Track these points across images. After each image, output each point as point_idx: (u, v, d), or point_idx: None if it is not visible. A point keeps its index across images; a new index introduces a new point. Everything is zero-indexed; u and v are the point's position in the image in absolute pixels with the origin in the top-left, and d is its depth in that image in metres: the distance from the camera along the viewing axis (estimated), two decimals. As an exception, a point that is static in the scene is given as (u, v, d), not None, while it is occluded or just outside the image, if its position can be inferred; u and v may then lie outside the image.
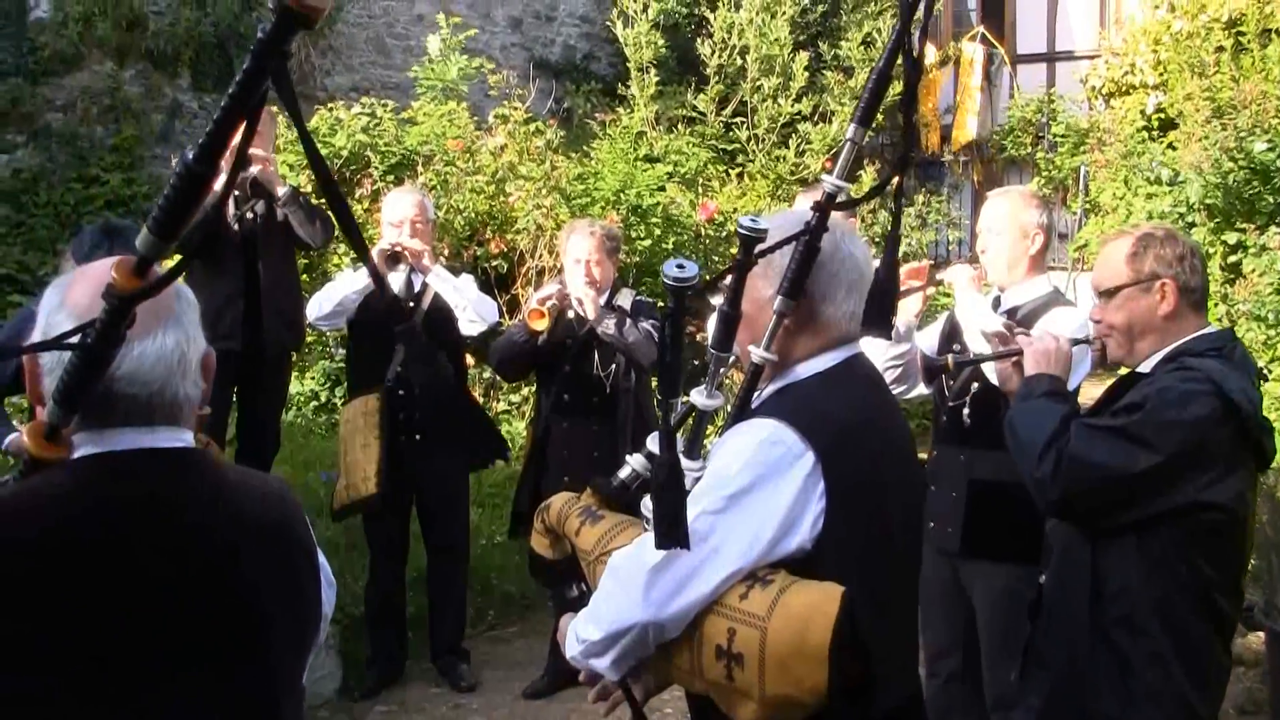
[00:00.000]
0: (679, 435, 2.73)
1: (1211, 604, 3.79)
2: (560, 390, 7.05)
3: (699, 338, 11.27)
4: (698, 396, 2.86)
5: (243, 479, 2.43)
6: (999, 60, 20.15)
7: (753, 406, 2.93)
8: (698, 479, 2.81)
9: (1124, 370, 4.18)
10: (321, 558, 2.50)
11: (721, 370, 2.91)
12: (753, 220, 2.76)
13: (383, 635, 7.35)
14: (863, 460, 2.85)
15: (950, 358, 4.81)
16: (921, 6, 2.69)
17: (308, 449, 9.84)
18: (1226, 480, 3.73)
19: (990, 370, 4.67)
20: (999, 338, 4.44)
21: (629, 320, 6.85)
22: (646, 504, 2.83)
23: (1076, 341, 4.32)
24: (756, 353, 2.89)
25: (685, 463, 2.77)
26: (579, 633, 2.92)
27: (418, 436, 7.07)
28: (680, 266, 2.62)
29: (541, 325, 6.82)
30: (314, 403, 11.00)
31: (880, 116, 14.79)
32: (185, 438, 2.30)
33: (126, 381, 2.19)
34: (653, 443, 2.74)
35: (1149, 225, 4.43)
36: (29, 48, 14.33)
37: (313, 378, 11.14)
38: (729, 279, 2.86)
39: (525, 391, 10.62)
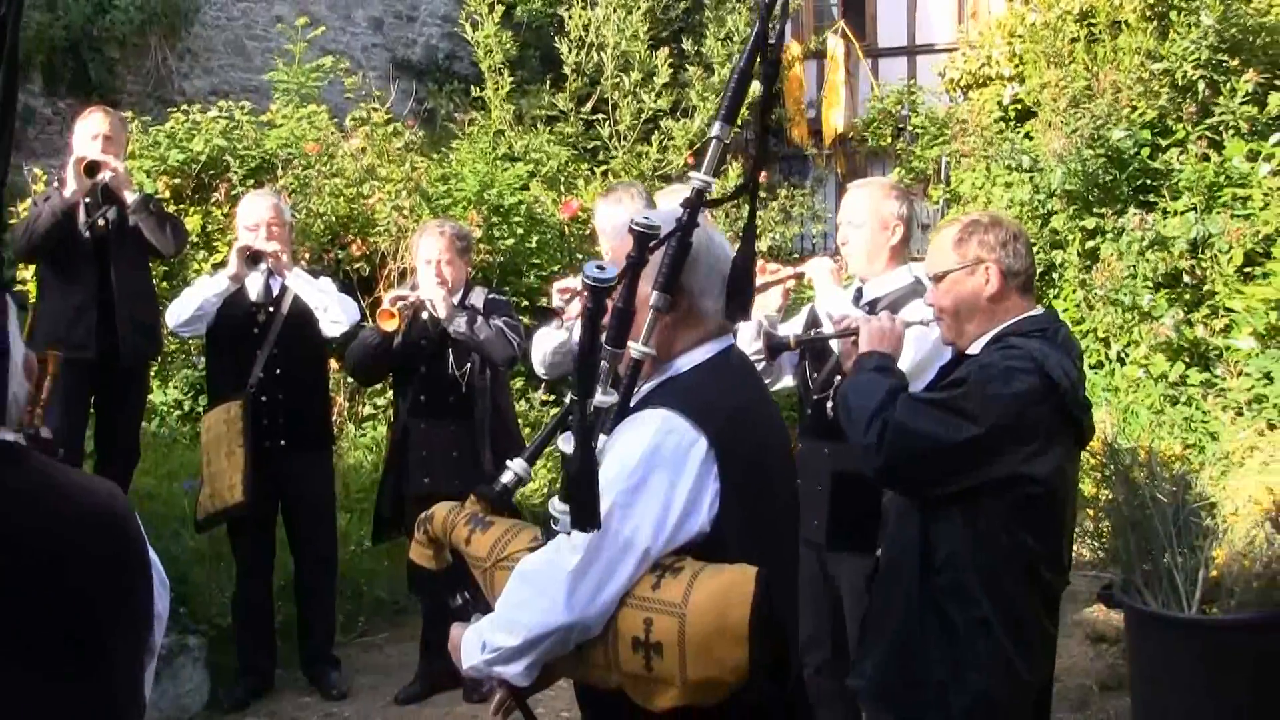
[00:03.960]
0: (568, 433, 2.75)
1: (1035, 574, 3.94)
2: (417, 391, 7.03)
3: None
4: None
5: (69, 477, 2.39)
6: (855, 54, 20.38)
7: (634, 403, 2.96)
8: None
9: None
10: (154, 557, 2.47)
11: (615, 367, 2.91)
12: (647, 218, 2.80)
13: (251, 645, 7.26)
14: (749, 445, 2.94)
15: (792, 336, 4.85)
16: (778, 6, 2.72)
17: (171, 459, 9.68)
18: (1045, 455, 3.87)
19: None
20: (837, 320, 4.58)
21: (480, 318, 6.84)
22: (554, 505, 2.82)
23: (910, 323, 4.42)
24: (636, 348, 2.91)
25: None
26: (488, 641, 2.90)
27: (282, 443, 7.00)
28: (600, 268, 2.65)
29: (392, 326, 6.81)
30: (177, 412, 10.82)
31: (745, 111, 14.91)
32: (5, 435, 2.26)
33: None
34: (564, 442, 2.73)
35: (977, 213, 4.58)
36: (-127, 51, 13.97)
37: (176, 387, 10.96)
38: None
39: (390, 395, 10.54)
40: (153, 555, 2.45)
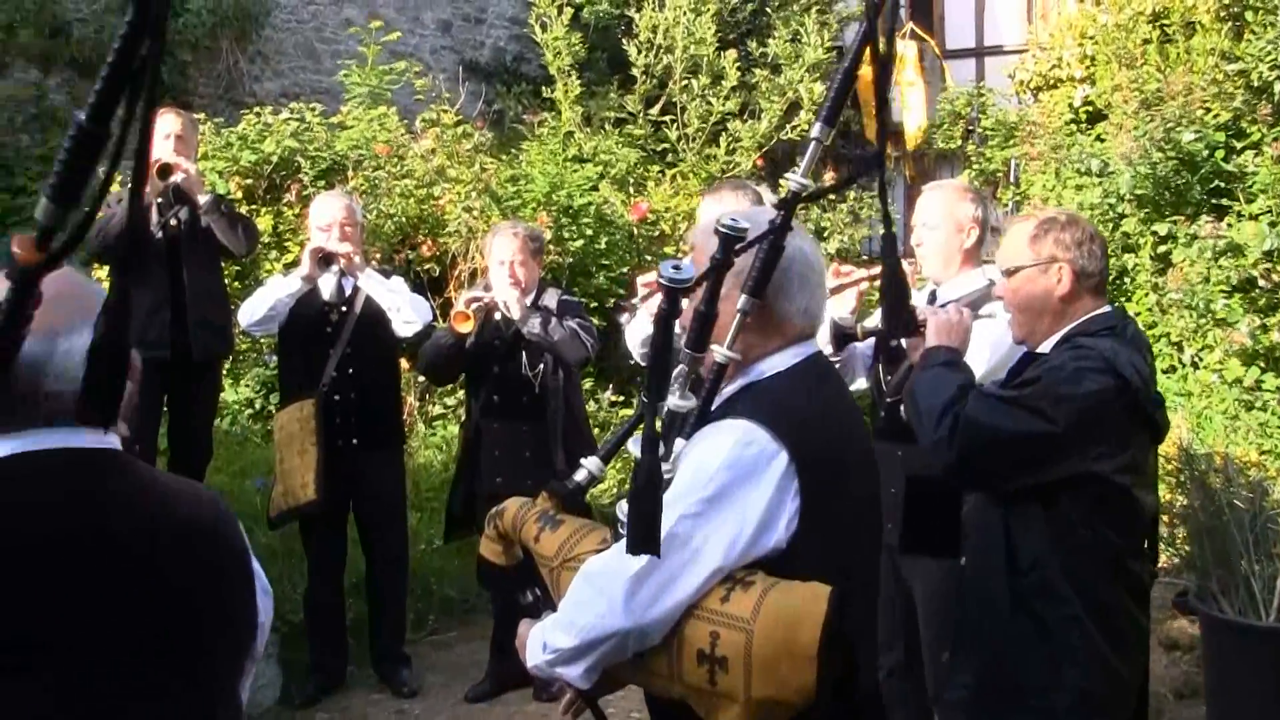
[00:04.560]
0: (639, 436, 2.69)
1: (1120, 566, 3.94)
2: (489, 392, 7.05)
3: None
4: (670, 398, 2.79)
5: (171, 484, 2.40)
6: (930, 55, 20.22)
7: (715, 407, 2.91)
8: (669, 481, 2.77)
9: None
10: (256, 565, 2.47)
11: (698, 371, 2.86)
12: (733, 219, 2.72)
13: (323, 642, 7.31)
14: (831, 458, 2.88)
15: (860, 326, 4.84)
16: (888, 4, 2.67)
17: (243, 457, 9.76)
18: (1119, 454, 3.86)
19: None
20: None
21: (554, 319, 6.85)
22: (621, 508, 2.77)
23: (979, 316, 4.42)
24: (720, 352, 2.86)
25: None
26: (548, 641, 2.89)
27: (354, 441, 7.03)
28: (676, 267, 2.59)
29: (467, 328, 6.83)
30: (249, 410, 10.91)
31: (813, 114, 14.84)
32: (111, 439, 2.26)
33: (54, 379, 2.16)
34: (634, 445, 2.68)
35: (1055, 210, 4.56)
36: (-49, 57, 14.16)
37: (247, 385, 11.04)
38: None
39: (460, 395, 10.57)
40: (256, 564, 2.45)
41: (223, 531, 2.41)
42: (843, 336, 4.85)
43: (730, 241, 2.72)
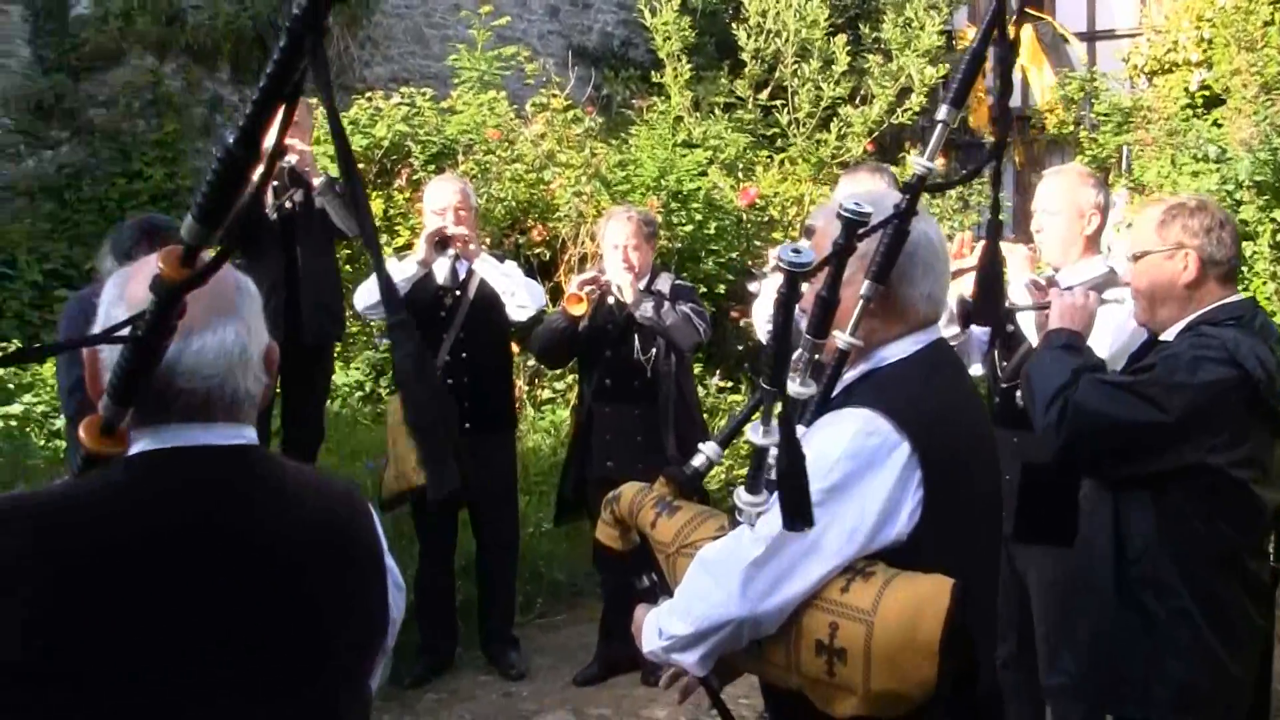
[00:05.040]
0: (757, 423, 2.65)
1: (1236, 563, 3.88)
2: (602, 375, 7.06)
3: (741, 323, 11.26)
4: (790, 384, 2.70)
5: (306, 478, 2.38)
6: (1053, 35, 19.98)
7: (836, 393, 2.89)
8: None
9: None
10: (390, 560, 2.45)
11: (817, 357, 2.82)
12: (857, 203, 2.66)
13: (433, 624, 7.35)
14: (954, 446, 2.83)
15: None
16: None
17: (354, 439, 9.83)
18: (1236, 446, 3.80)
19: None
20: (1038, 290, 4.50)
21: (667, 304, 6.85)
22: (740, 496, 2.74)
23: (1105, 301, 4.37)
24: (843, 338, 2.84)
25: (775, 454, 2.66)
26: (664, 627, 2.88)
27: (466, 425, 7.05)
28: (796, 251, 2.51)
29: (580, 310, 6.85)
30: (359, 393, 11.00)
31: (924, 98, 14.74)
32: (246, 434, 2.25)
33: (185, 376, 2.13)
34: (753, 432, 2.63)
35: (1186, 195, 4.50)
36: (71, 44, 14.37)
37: (357, 368, 11.14)
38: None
39: (569, 379, 10.61)
40: (389, 559, 2.44)
41: (357, 526, 2.39)
42: (969, 315, 4.80)
43: (853, 226, 2.66)
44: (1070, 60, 19.94)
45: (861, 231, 2.68)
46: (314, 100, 10.19)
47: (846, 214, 2.65)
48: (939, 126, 2.81)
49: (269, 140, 1.75)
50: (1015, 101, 18.91)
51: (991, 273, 2.97)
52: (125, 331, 1.97)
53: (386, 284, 1.86)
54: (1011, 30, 2.68)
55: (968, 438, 2.94)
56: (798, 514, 2.51)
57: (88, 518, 2.07)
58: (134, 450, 2.16)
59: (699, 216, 12.12)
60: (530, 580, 8.43)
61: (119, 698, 2.01)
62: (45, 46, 14.28)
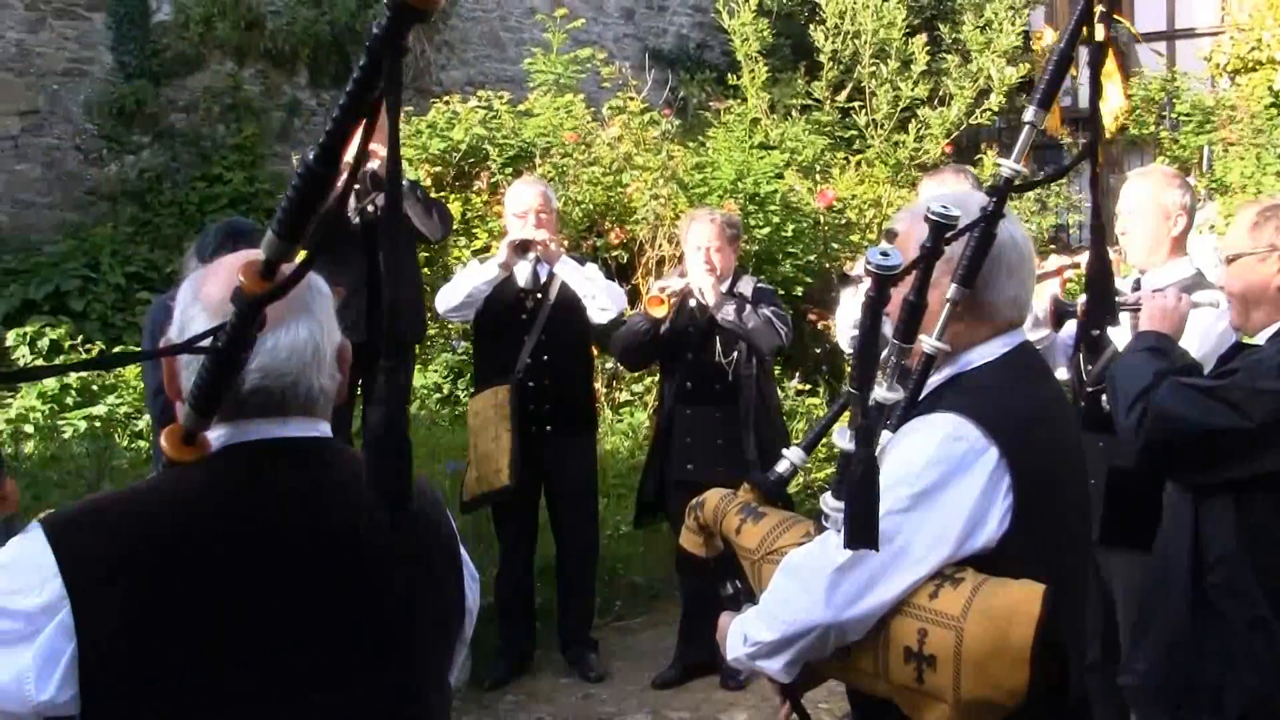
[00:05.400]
0: (843, 427, 2.64)
1: None
2: (683, 378, 7.05)
3: (820, 326, 11.22)
4: (878, 390, 2.71)
5: None
6: (1128, 38, 19.81)
7: (922, 397, 2.86)
8: None
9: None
10: (464, 552, 2.48)
11: (904, 361, 2.80)
12: (944, 206, 2.65)
13: (512, 625, 7.37)
14: (1043, 451, 2.79)
15: (1080, 304, 4.78)
16: (1104, -11, 2.59)
17: (432, 441, 9.89)
18: None
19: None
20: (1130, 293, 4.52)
21: (749, 307, 6.83)
22: (826, 501, 2.73)
23: (1198, 304, 4.35)
24: (930, 343, 2.81)
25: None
26: (749, 634, 2.86)
27: (547, 428, 7.08)
28: (884, 254, 2.50)
29: (661, 313, 6.85)
30: (436, 395, 11.06)
31: (1003, 98, 14.65)
32: (320, 429, 2.29)
33: (259, 374, 2.17)
34: (841, 437, 2.61)
35: None
36: (152, 50, 14.58)
37: (435, 370, 11.21)
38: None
39: (647, 381, 10.62)
40: (463, 551, 2.47)
41: (432, 519, 2.42)
42: (1062, 314, 4.78)
43: (940, 229, 2.64)
44: (1141, 62, 19.77)
45: (949, 235, 2.67)
46: (408, 108, 10.30)
47: (934, 217, 2.64)
48: (1026, 128, 2.78)
49: (351, 151, 1.76)
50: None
51: (1100, 276, 2.94)
52: (205, 343, 2.01)
53: (387, 322, 1.86)
54: (1099, 31, 2.65)
55: (1057, 442, 2.90)
56: (862, 534, 2.50)
57: (174, 513, 2.12)
58: (213, 443, 2.20)
59: (776, 219, 12.08)
60: (608, 583, 8.44)
61: (207, 690, 2.04)
62: (127, 53, 14.49)
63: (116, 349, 11.88)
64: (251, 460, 2.20)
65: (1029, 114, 2.76)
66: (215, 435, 2.20)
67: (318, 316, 2.25)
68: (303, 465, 2.24)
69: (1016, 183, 2.80)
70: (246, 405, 2.19)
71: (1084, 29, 2.62)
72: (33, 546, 2.05)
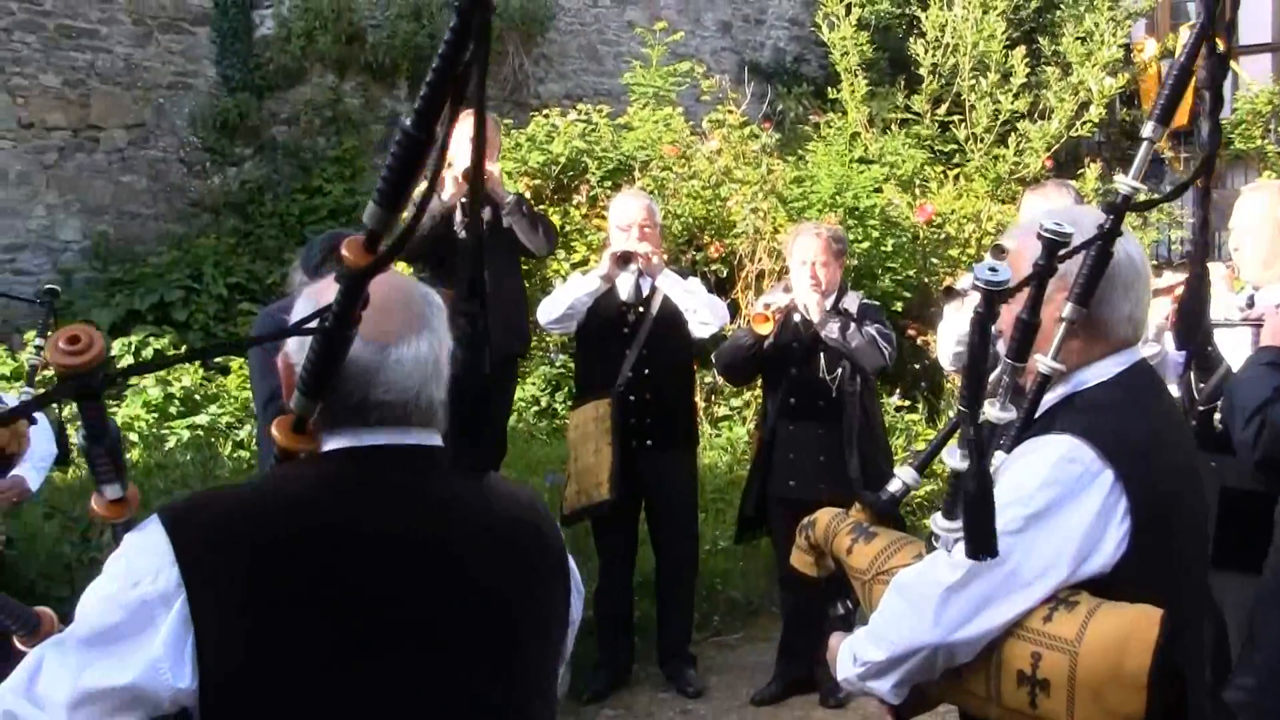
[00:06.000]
0: (954, 446, 2.61)
1: None
2: (786, 394, 7.01)
3: (919, 341, 11.16)
4: (990, 409, 2.65)
5: (494, 482, 2.42)
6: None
7: (1036, 417, 2.82)
8: None
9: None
10: (572, 564, 2.49)
11: (1017, 381, 2.77)
12: (1057, 223, 2.59)
13: (611, 639, 7.37)
14: (1161, 473, 2.75)
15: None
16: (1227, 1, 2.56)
17: (529, 454, 9.93)
18: None
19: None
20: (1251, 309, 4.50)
21: (853, 324, 6.78)
22: (936, 521, 2.70)
23: None
24: (1045, 362, 2.77)
25: None
26: (858, 654, 2.84)
27: (648, 442, 7.09)
28: (993, 270, 2.44)
29: (766, 329, 6.83)
30: (534, 408, 11.10)
31: (1104, 111, 14.50)
32: (436, 439, 2.30)
33: (384, 388, 2.20)
34: (950, 456, 2.58)
35: None
36: (255, 64, 14.76)
37: (533, 383, 11.26)
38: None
39: (747, 396, 10.61)
40: (572, 564, 2.48)
41: (544, 531, 2.44)
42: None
43: (1054, 247, 2.59)
44: (1248, 75, 19.55)
45: (1063, 253, 2.62)
46: (498, 117, 10.39)
47: (1048, 234, 2.59)
48: (1144, 144, 2.72)
49: (459, 165, 1.78)
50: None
51: (1194, 296, 2.90)
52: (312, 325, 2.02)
53: (476, 269, 1.88)
54: (1220, 43, 2.62)
55: (1175, 464, 2.85)
56: (982, 544, 2.47)
57: (287, 508, 2.15)
58: (327, 448, 2.23)
59: (875, 234, 12.05)
60: (706, 598, 8.42)
61: (310, 689, 2.07)
62: (231, 66, 14.67)
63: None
64: (366, 461, 2.23)
65: (1148, 129, 2.71)
66: (332, 441, 2.23)
67: (435, 329, 2.29)
68: (416, 470, 2.26)
69: (1135, 200, 2.76)
70: (368, 418, 2.21)
71: (1204, 43, 2.59)
72: (150, 536, 2.08)
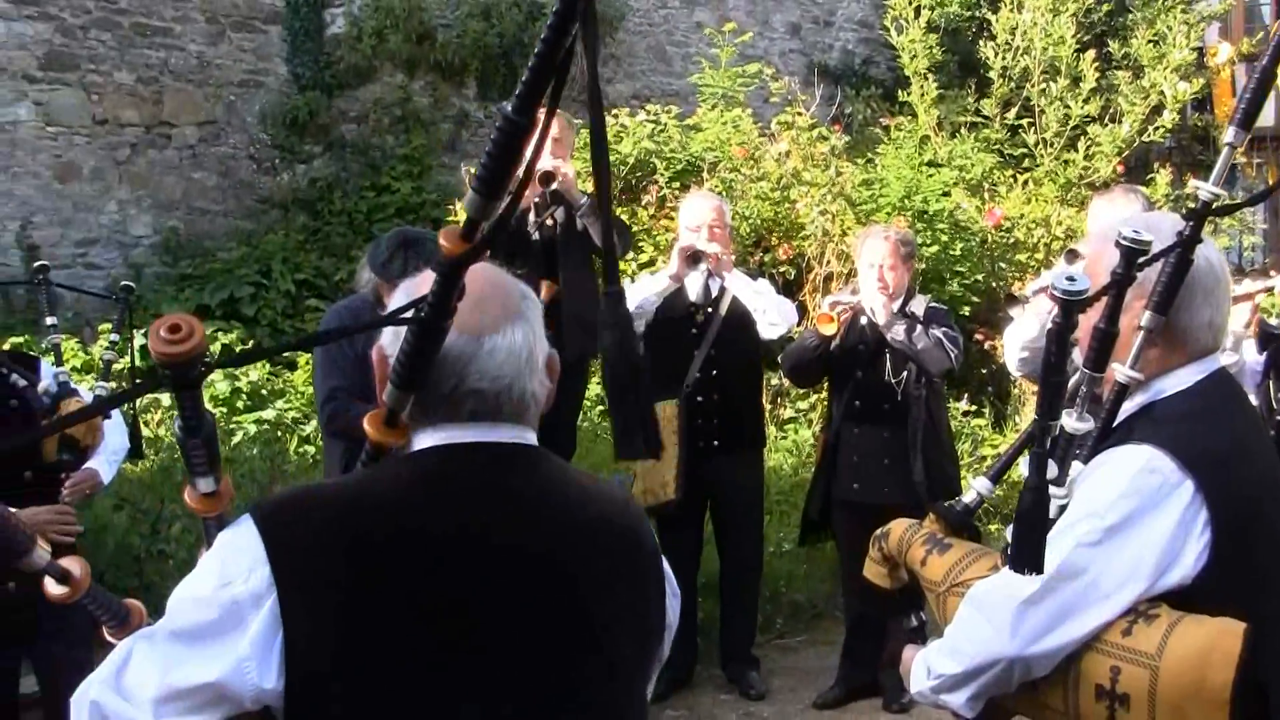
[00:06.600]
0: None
1: None
2: (852, 396, 6.99)
3: (986, 346, 11.10)
4: (1067, 419, 2.63)
5: (586, 483, 2.40)
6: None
7: (1115, 426, 2.79)
8: (1063, 506, 2.67)
9: None
10: (667, 567, 2.44)
11: (1095, 390, 2.75)
12: (1136, 231, 2.58)
13: (674, 640, 7.32)
14: (1244, 484, 2.71)
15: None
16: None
17: (595, 453, 9.92)
18: None
19: None
20: None
21: (920, 327, 6.76)
22: (1009, 532, 2.68)
23: None
24: (1123, 372, 2.75)
25: (1051, 489, 2.58)
26: (933, 666, 2.81)
27: (715, 443, 7.08)
28: (1071, 279, 2.43)
29: (830, 330, 6.81)
30: (600, 407, 11.09)
31: (1176, 116, 14.36)
32: (528, 436, 2.27)
33: (476, 377, 2.17)
34: (1025, 465, 2.55)
35: None
36: (325, 62, 14.85)
37: (599, 382, 11.23)
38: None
39: (812, 398, 10.58)
40: (666, 566, 2.44)
41: (637, 532, 2.40)
42: (1269, 338, 4.68)
43: (1133, 255, 2.58)
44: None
45: (1141, 261, 2.61)
46: (573, 117, 10.41)
47: (1127, 243, 2.58)
48: (1225, 149, 2.71)
49: (532, 150, 1.78)
50: (1269, 120, 18.41)
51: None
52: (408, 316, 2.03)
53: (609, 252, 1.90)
54: (1232, 49, 2.58)
55: (1257, 474, 2.80)
56: (1029, 558, 2.45)
57: (378, 508, 2.13)
58: (418, 446, 2.22)
59: (944, 238, 11.99)
60: (769, 600, 8.41)
61: (400, 690, 2.05)
62: (301, 64, 14.78)
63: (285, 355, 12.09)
64: (458, 460, 2.20)
65: (1229, 135, 2.69)
66: (424, 438, 2.22)
67: (531, 322, 2.26)
68: (507, 469, 2.23)
69: (1215, 205, 2.73)
70: (460, 409, 2.19)
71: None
72: (243, 535, 2.08)
